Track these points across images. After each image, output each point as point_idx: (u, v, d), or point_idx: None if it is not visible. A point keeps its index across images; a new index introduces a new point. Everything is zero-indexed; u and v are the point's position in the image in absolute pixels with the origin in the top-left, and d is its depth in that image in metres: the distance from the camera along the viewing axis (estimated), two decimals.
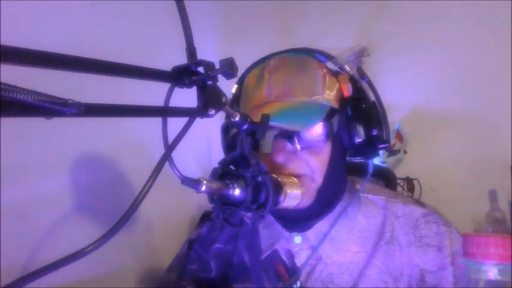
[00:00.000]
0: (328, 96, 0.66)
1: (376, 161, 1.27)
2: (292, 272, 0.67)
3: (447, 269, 0.64)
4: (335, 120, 0.66)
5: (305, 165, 0.65)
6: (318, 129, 0.64)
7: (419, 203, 0.74)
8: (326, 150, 0.66)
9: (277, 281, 0.67)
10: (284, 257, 0.69)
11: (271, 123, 0.59)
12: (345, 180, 0.74)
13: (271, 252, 0.70)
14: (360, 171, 0.79)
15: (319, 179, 0.65)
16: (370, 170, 0.70)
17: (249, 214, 0.50)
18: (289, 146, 0.64)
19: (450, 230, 0.68)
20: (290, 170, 0.64)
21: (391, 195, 0.75)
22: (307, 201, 0.65)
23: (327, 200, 0.69)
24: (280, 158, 0.64)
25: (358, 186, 0.75)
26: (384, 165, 1.30)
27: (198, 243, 0.79)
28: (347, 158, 0.72)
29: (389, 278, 0.65)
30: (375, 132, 0.65)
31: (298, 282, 0.66)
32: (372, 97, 0.69)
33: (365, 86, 0.69)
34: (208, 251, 0.77)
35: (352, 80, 0.69)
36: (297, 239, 0.70)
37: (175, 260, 0.82)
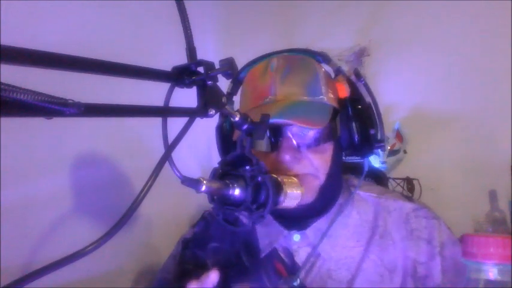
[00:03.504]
0: (331, 96, 0.68)
1: (376, 161, 1.27)
2: (292, 270, 0.68)
3: (436, 259, 0.66)
4: (338, 120, 0.68)
5: (309, 164, 0.66)
6: (325, 129, 0.66)
7: (408, 198, 0.76)
8: (329, 149, 0.67)
9: (277, 279, 0.67)
10: (283, 255, 0.70)
11: (282, 120, 0.60)
12: (342, 178, 0.76)
13: (270, 251, 0.71)
14: (355, 170, 0.80)
15: (322, 177, 0.67)
16: (366, 168, 0.72)
17: (249, 214, 0.50)
18: (295, 144, 0.65)
19: (439, 223, 0.70)
20: (295, 169, 0.64)
21: (382, 191, 0.77)
22: (309, 197, 0.66)
23: (328, 196, 0.70)
24: (287, 157, 0.64)
25: (352, 184, 0.76)
26: (384, 165, 1.30)
27: (194, 242, 0.79)
28: (343, 157, 0.74)
29: (384, 270, 0.67)
30: (371, 132, 0.67)
31: (299, 280, 0.66)
32: (368, 98, 0.71)
33: (361, 87, 0.71)
34: (204, 250, 0.77)
35: (349, 81, 0.71)
36: (296, 237, 0.71)
37: (169, 260, 0.82)
